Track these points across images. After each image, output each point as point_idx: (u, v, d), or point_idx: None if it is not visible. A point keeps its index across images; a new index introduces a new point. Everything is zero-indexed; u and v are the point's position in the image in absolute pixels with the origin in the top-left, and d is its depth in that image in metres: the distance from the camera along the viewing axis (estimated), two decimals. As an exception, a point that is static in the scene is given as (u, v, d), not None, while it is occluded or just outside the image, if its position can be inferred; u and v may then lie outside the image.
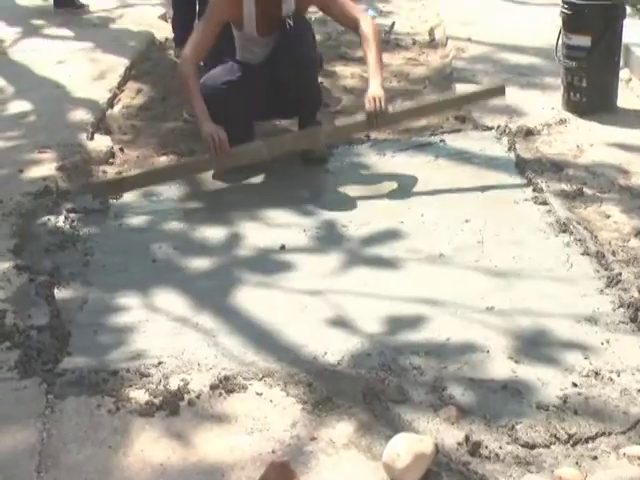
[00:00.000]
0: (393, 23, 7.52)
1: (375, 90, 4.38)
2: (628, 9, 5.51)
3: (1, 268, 3.70)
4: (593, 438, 2.68)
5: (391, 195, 4.38)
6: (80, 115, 5.41)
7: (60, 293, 3.60)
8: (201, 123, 4.36)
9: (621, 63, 5.38)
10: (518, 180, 4.45)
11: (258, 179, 4.64)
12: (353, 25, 4.62)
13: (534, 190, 4.30)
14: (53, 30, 7.46)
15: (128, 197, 4.50)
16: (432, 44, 7.06)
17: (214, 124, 4.34)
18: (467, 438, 2.68)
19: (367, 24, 4.56)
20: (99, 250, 3.97)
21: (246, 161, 4.48)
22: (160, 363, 3.09)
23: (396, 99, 5.49)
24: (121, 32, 7.34)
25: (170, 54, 6.84)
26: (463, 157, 4.77)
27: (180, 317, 3.42)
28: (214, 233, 4.11)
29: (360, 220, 4.15)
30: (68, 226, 4.15)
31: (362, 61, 4.80)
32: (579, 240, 3.80)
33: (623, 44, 5.29)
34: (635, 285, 3.42)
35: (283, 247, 3.94)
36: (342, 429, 2.75)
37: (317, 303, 3.49)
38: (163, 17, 7.91)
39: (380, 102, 4.35)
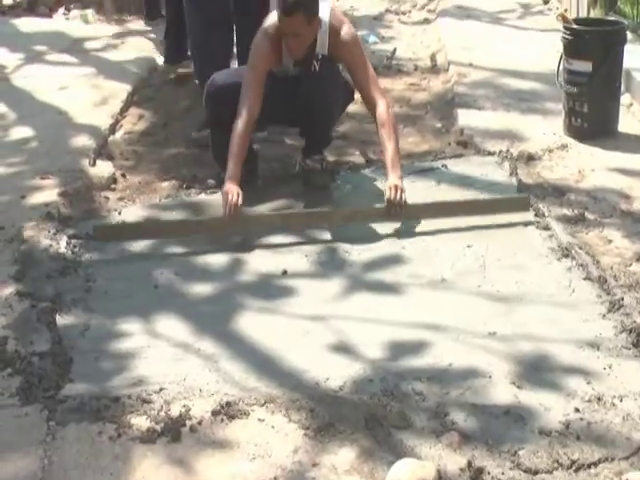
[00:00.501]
0: (395, 49, 7.55)
1: (395, 181, 4.32)
2: (629, 34, 5.53)
3: (3, 294, 3.71)
4: (596, 464, 2.68)
5: (393, 220, 4.37)
6: (82, 141, 5.42)
7: (62, 319, 3.59)
8: (226, 179, 4.32)
9: (622, 88, 5.39)
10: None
11: (260, 205, 4.62)
12: (370, 102, 4.58)
13: (536, 215, 4.29)
14: (55, 56, 7.47)
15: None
16: (434, 69, 7.07)
17: (236, 186, 4.26)
18: (469, 464, 2.67)
19: (386, 109, 4.51)
20: (101, 276, 3.97)
21: (257, 228, 4.40)
22: (162, 389, 3.08)
23: (398, 125, 5.48)
24: (123, 58, 7.35)
25: (171, 78, 6.85)
26: (465, 182, 4.77)
27: (182, 343, 3.42)
28: (216, 259, 4.11)
29: (362, 245, 4.15)
30: (70, 252, 4.15)
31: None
32: (581, 265, 3.80)
33: (624, 69, 5.31)
34: (637, 310, 3.42)
35: (285, 272, 3.94)
36: (344, 455, 2.74)
37: (319, 328, 3.48)
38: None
39: (401, 193, 4.29)
